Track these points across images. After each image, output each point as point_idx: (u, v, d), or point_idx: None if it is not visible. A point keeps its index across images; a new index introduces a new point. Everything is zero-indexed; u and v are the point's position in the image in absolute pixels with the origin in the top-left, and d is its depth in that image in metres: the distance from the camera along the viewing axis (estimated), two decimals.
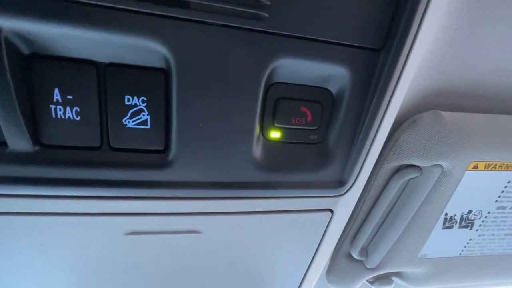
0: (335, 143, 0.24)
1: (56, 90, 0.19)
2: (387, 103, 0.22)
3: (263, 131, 0.23)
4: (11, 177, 0.20)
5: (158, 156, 0.21)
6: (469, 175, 0.30)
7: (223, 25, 0.18)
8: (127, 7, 0.16)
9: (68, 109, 0.19)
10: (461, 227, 0.35)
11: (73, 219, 0.22)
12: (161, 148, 0.21)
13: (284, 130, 0.23)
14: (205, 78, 0.19)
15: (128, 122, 0.20)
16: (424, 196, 0.31)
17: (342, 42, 0.20)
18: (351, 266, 0.39)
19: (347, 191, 0.27)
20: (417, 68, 0.25)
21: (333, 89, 0.23)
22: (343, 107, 0.23)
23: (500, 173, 0.31)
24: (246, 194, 0.24)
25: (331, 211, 0.28)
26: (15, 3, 0.16)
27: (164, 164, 0.21)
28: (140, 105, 0.20)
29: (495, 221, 0.35)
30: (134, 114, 0.20)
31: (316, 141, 0.24)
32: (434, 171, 0.30)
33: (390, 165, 0.31)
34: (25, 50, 0.18)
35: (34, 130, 0.19)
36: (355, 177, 0.26)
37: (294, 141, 0.24)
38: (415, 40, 0.20)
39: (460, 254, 0.39)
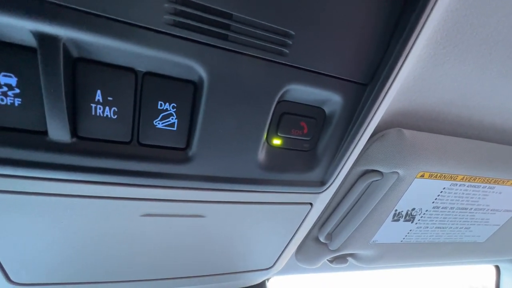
0: (323, 151, 0.30)
1: (99, 92, 0.21)
2: (367, 123, 0.28)
3: (268, 138, 0.28)
4: (47, 163, 0.22)
5: (180, 153, 0.25)
6: (417, 181, 0.39)
7: (251, 55, 0.22)
8: (177, 34, 0.19)
9: (107, 108, 0.22)
10: (405, 220, 0.44)
11: (97, 201, 0.25)
12: (183, 146, 0.25)
13: (285, 139, 0.28)
14: (230, 94, 0.23)
15: (158, 123, 0.23)
16: (382, 195, 0.39)
17: (339, 76, 0.25)
18: (317, 248, 0.47)
19: (326, 189, 0.33)
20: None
21: (327, 109, 0.28)
22: (332, 124, 0.28)
23: (439, 182, 0.40)
24: (247, 188, 0.29)
25: (311, 204, 0.34)
26: (77, 20, 0.18)
27: (184, 160, 0.25)
28: (170, 110, 0.23)
29: (430, 217, 0.45)
30: (164, 117, 0.23)
31: (308, 149, 0.30)
32: (392, 177, 0.37)
33: (359, 169, 0.38)
34: (75, 53, 0.20)
35: (73, 124, 0.22)
36: (334, 178, 0.32)
37: (291, 148, 0.29)
38: (395, 79, 0.26)
39: (401, 241, 0.48)
